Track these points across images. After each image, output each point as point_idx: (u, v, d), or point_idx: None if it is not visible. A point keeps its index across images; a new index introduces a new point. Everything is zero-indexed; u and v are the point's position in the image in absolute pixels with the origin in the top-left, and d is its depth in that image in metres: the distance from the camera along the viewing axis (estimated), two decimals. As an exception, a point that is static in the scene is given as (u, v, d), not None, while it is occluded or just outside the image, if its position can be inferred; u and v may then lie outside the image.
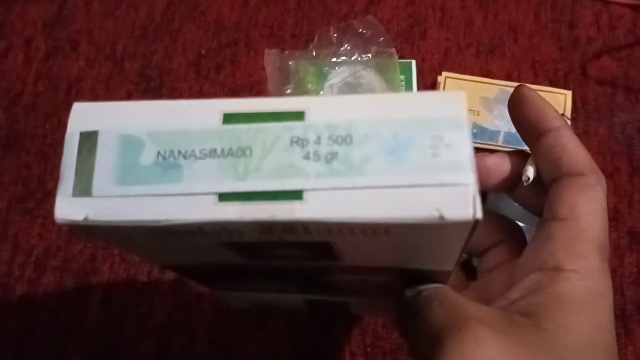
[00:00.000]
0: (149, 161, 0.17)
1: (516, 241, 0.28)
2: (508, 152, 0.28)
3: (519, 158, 0.28)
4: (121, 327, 0.41)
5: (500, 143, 0.45)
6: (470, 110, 0.46)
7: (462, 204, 0.16)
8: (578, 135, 0.26)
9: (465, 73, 0.48)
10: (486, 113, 0.46)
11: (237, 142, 0.17)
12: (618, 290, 0.41)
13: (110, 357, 0.40)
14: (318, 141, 0.17)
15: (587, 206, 0.24)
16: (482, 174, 0.27)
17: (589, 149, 0.26)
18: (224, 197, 0.17)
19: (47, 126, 0.48)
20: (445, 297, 0.24)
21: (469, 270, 0.36)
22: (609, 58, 0.49)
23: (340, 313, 0.40)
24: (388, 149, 0.17)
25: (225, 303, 0.40)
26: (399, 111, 0.17)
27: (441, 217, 0.16)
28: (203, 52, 0.51)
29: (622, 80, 0.48)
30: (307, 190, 0.17)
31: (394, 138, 0.17)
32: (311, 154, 0.17)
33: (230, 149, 0.17)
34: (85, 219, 0.17)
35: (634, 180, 0.44)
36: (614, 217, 0.43)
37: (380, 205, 0.16)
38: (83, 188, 0.17)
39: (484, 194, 0.41)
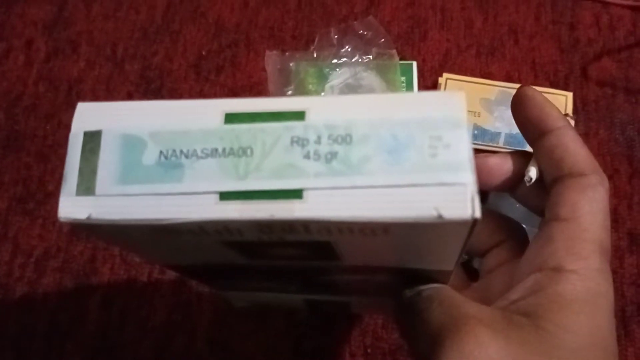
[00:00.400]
0: (151, 161, 0.18)
1: (517, 241, 0.28)
2: (510, 152, 0.28)
3: (520, 158, 0.28)
4: (121, 327, 0.41)
5: (501, 144, 0.45)
6: (471, 111, 0.46)
7: (461, 203, 0.16)
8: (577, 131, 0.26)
9: (465, 74, 0.48)
10: (487, 114, 0.46)
11: (238, 142, 0.17)
12: (618, 291, 0.41)
13: (110, 357, 0.40)
14: (318, 141, 0.17)
15: (588, 206, 0.24)
16: (483, 173, 0.27)
17: (589, 150, 0.26)
18: (224, 196, 0.17)
19: (47, 127, 0.48)
20: (445, 297, 0.24)
21: (470, 271, 0.36)
22: (609, 59, 0.49)
23: (340, 312, 0.40)
24: (387, 148, 0.17)
25: (225, 302, 0.40)
26: (398, 111, 0.17)
27: (440, 217, 0.16)
28: (203, 53, 0.51)
29: (622, 81, 0.48)
30: (307, 189, 0.17)
31: (393, 138, 0.17)
32: (311, 154, 0.17)
33: (231, 149, 0.17)
34: (89, 218, 0.17)
35: (633, 182, 0.44)
36: (614, 218, 0.43)
37: (379, 205, 0.17)
38: (86, 187, 0.18)
39: (485, 193, 0.41)
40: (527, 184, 0.27)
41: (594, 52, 0.49)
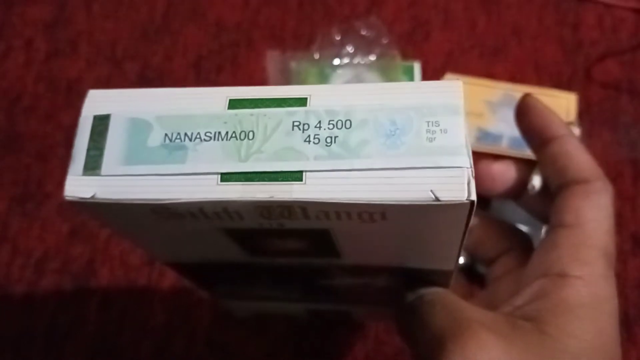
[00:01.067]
0: (156, 143, 0.18)
1: (524, 249, 0.28)
2: (514, 160, 0.28)
3: (525, 166, 0.28)
4: (121, 329, 0.41)
5: (504, 147, 0.44)
6: (474, 113, 0.46)
7: (457, 186, 0.17)
8: (581, 138, 0.26)
9: (468, 75, 0.48)
10: (490, 116, 0.46)
11: (241, 126, 0.18)
12: (621, 294, 0.40)
13: (110, 359, 0.40)
14: (318, 126, 0.18)
15: (592, 213, 0.24)
16: (487, 180, 0.28)
17: (592, 152, 0.26)
18: (225, 177, 0.17)
19: (47, 128, 0.48)
20: (448, 301, 0.24)
21: (474, 276, 0.36)
22: (612, 61, 0.49)
23: (342, 320, 0.40)
24: (385, 133, 0.17)
25: (227, 311, 0.40)
26: (397, 98, 0.18)
27: (436, 199, 0.17)
28: (203, 53, 0.51)
29: (625, 83, 0.48)
30: (307, 172, 0.17)
31: (391, 123, 0.18)
32: (311, 138, 0.18)
33: (234, 132, 0.18)
34: (93, 197, 0.18)
35: (637, 184, 0.44)
36: (617, 221, 0.42)
37: (377, 187, 0.17)
38: (93, 167, 0.18)
39: (487, 199, 0.41)
40: (531, 192, 0.27)
41: (597, 53, 0.49)
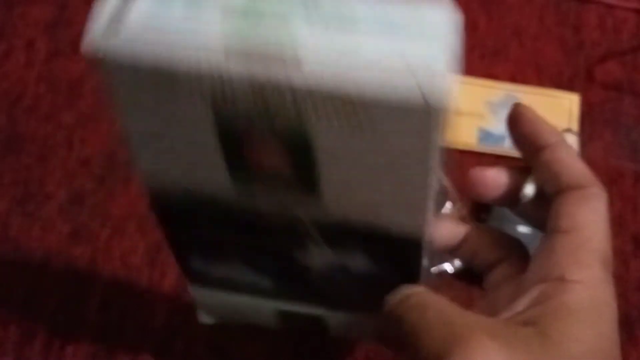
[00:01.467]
0: (178, 7, 0.19)
1: (520, 257, 0.28)
2: (507, 167, 0.28)
3: (519, 173, 0.28)
4: (120, 330, 0.41)
5: (506, 147, 0.44)
6: (475, 113, 0.46)
7: (438, 79, 0.18)
8: (582, 139, 0.26)
9: (469, 76, 0.48)
10: (491, 117, 0.46)
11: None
12: (622, 296, 0.40)
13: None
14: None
15: (588, 217, 0.25)
16: (480, 186, 0.28)
17: (594, 153, 0.26)
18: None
19: (48, 128, 0.48)
20: (441, 306, 0.24)
21: (474, 277, 0.36)
22: (613, 62, 0.49)
23: (315, 330, 0.36)
24: (379, 25, 0.19)
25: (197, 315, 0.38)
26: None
27: (418, 86, 0.18)
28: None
29: (627, 84, 0.48)
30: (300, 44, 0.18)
31: (385, 16, 0.19)
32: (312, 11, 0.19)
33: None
34: (108, 51, 0.19)
35: (638, 186, 0.44)
36: (618, 222, 0.43)
37: (367, 65, 0.18)
38: (114, 27, 0.19)
39: (488, 207, 0.41)
40: (523, 200, 0.27)
41: (598, 54, 0.49)
